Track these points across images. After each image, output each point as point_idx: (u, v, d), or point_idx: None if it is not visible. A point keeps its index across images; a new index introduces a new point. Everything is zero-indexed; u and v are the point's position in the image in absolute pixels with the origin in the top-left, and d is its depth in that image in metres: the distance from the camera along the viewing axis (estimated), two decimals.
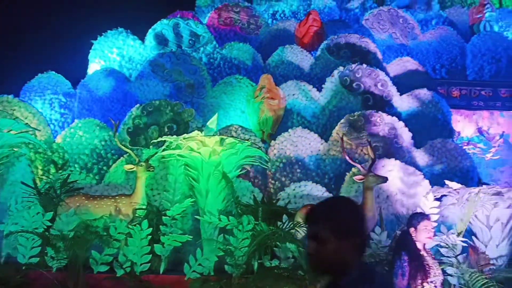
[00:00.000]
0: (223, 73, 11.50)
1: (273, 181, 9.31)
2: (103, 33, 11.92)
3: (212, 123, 7.69)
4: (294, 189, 8.41)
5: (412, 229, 6.13)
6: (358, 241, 2.29)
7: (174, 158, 7.65)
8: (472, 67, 12.20)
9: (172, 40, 11.64)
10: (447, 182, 7.30)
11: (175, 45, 11.57)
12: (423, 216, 6.63)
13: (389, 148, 9.35)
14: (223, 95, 10.74)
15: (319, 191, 8.43)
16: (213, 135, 7.45)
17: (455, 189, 7.14)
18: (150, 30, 11.87)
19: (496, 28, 13.13)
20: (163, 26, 11.78)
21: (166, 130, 9.08)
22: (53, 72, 11.28)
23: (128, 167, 7.50)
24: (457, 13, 13.66)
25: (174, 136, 7.32)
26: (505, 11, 13.71)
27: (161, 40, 11.67)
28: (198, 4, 14.59)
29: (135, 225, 6.99)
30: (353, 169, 8.43)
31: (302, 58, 11.89)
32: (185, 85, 10.44)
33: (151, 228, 6.98)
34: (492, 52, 12.14)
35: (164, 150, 7.51)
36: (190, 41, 11.68)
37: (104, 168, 9.28)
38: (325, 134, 10.10)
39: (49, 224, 7.11)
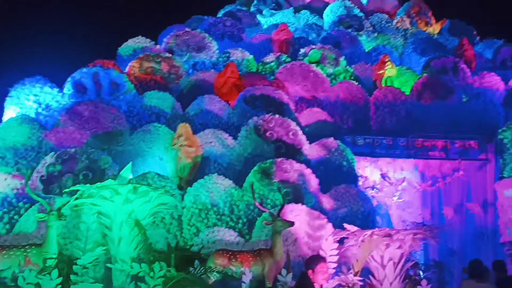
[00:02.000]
0: (143, 121, 11.74)
1: (188, 227, 9.58)
2: (20, 80, 11.86)
3: (126, 171, 7.92)
4: (207, 235, 8.75)
5: (310, 272, 6.68)
6: None
7: (87, 206, 7.74)
8: (375, 118, 13.34)
9: (91, 88, 11.81)
10: (345, 225, 7.97)
11: (94, 93, 11.74)
12: (320, 258, 7.23)
13: (298, 193, 9.99)
14: (141, 142, 10.97)
15: (231, 236, 8.84)
16: (127, 183, 7.69)
17: (352, 232, 7.82)
18: (69, 78, 11.96)
19: (396, 84, 14.51)
20: (82, 74, 11.94)
21: (82, 178, 9.15)
22: None
23: (39, 216, 7.48)
24: (362, 69, 14.97)
25: (87, 185, 7.46)
26: (403, 68, 15.22)
27: (79, 88, 11.80)
28: (120, 53, 14.89)
29: (44, 275, 6.95)
30: (264, 214, 8.94)
31: (220, 108, 12.44)
32: (102, 132, 10.58)
33: (61, 278, 6.96)
34: (392, 105, 13.39)
35: (77, 198, 7.60)
36: (110, 90, 11.90)
37: (15, 217, 9.07)
38: (240, 181, 10.58)
39: None
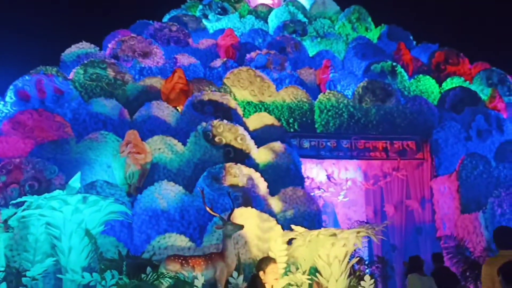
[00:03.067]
0: (89, 129, 11.62)
1: (139, 234, 9.62)
2: None
3: (75, 181, 7.88)
4: (158, 241, 8.82)
5: (261, 272, 6.95)
6: None
7: (35, 217, 7.64)
8: (320, 121, 13.84)
9: (34, 96, 11.55)
10: (293, 226, 8.29)
11: (38, 101, 11.50)
12: (270, 259, 7.52)
13: (248, 197, 10.26)
14: (88, 150, 10.87)
15: (182, 241, 8.96)
16: (77, 193, 7.66)
17: (300, 233, 8.15)
18: (11, 86, 11.65)
19: (338, 88, 15.12)
20: (24, 82, 11.66)
21: (27, 188, 8.99)
22: None
23: None
24: (307, 74, 15.45)
25: (35, 196, 7.37)
26: (345, 72, 15.85)
27: (22, 96, 11.52)
28: (63, 59, 14.59)
29: None
30: (215, 218, 9.13)
31: (168, 114, 12.50)
32: (47, 141, 10.41)
33: None
34: (336, 108, 13.93)
35: (24, 209, 7.49)
36: (54, 97, 11.70)
37: None
38: (190, 186, 10.73)
39: None
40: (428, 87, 15.75)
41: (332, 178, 13.92)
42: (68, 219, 7.37)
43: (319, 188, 13.98)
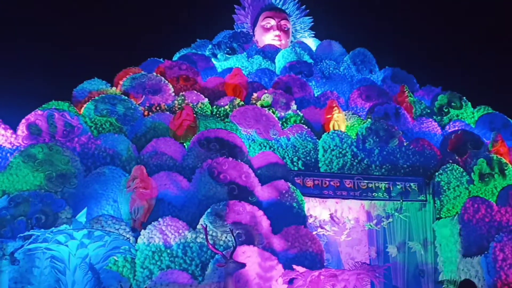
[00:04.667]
0: (97, 163, 11.87)
1: (142, 269, 9.72)
2: None
3: (81, 217, 8.08)
4: (161, 277, 8.94)
5: None
6: None
7: (40, 251, 7.81)
8: (323, 160, 14.01)
9: (45, 130, 11.87)
10: (294, 266, 8.39)
11: (49, 135, 11.80)
12: None
13: (250, 235, 10.38)
14: (95, 184, 11.10)
15: (184, 278, 9.07)
16: (82, 228, 7.84)
17: (301, 273, 8.25)
18: (23, 120, 12.00)
19: (343, 128, 15.35)
20: (36, 116, 12.01)
21: (34, 221, 9.17)
22: None
23: None
24: (311, 113, 15.70)
25: (42, 230, 7.56)
26: (349, 114, 16.11)
27: (34, 130, 11.84)
28: (75, 95, 14.99)
29: None
30: (217, 256, 9.25)
31: (175, 150, 12.74)
32: (56, 175, 10.64)
33: None
34: (339, 147, 14.13)
35: (30, 243, 7.66)
36: (64, 132, 12.00)
37: None
38: (194, 222, 10.87)
39: None
40: (431, 130, 15.97)
41: (335, 217, 13.98)
42: (73, 254, 7.54)
43: (322, 227, 14.03)
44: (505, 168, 13.77)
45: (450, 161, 14.05)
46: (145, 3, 31.90)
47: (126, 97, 14.29)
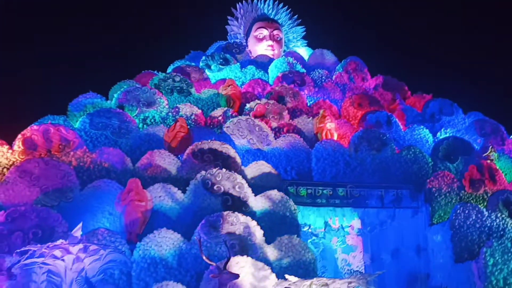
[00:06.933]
0: (93, 177, 12.00)
1: (137, 281, 9.87)
2: None
3: (77, 231, 8.23)
4: None
5: None
6: None
7: (37, 265, 7.95)
8: (316, 169, 14.19)
9: (41, 145, 12.02)
10: (286, 276, 8.56)
11: (45, 150, 11.96)
12: None
13: (244, 245, 10.54)
14: (91, 198, 11.25)
15: None
16: (78, 242, 8.00)
17: (293, 282, 8.41)
18: (19, 135, 12.16)
19: (335, 137, 15.55)
20: (32, 131, 12.16)
21: (31, 236, 9.32)
22: None
23: None
24: (304, 123, 15.90)
25: (38, 245, 7.71)
26: (342, 121, 16.33)
27: (30, 145, 11.99)
28: (70, 109, 15.18)
29: None
30: (211, 267, 9.41)
31: (170, 162, 12.90)
32: (52, 190, 10.80)
33: None
34: (332, 156, 14.32)
35: (27, 258, 7.81)
36: (60, 146, 12.16)
37: None
38: (189, 233, 11.03)
39: None
40: (423, 137, 16.19)
41: (330, 225, 14.17)
42: (69, 268, 7.69)
43: (317, 235, 14.20)
44: (495, 174, 13.99)
45: (441, 168, 14.26)
46: (139, 16, 32.24)
47: (121, 110, 14.47)
